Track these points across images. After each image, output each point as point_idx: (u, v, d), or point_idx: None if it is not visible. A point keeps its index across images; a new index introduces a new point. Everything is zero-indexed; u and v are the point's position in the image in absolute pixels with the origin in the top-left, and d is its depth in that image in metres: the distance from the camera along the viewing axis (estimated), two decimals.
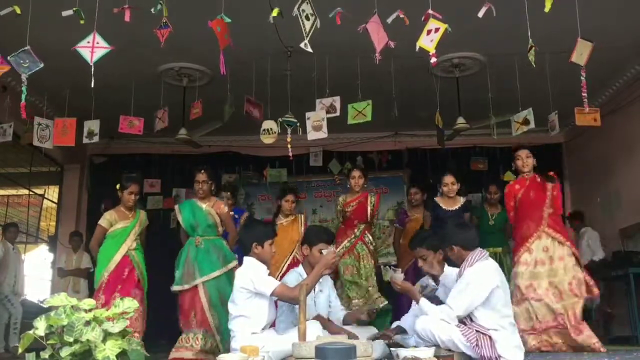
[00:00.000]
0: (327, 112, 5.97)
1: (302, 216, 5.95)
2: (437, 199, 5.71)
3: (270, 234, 3.81)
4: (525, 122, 6.52)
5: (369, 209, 5.74)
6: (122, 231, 5.03)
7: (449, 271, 3.87)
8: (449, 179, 5.64)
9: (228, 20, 3.87)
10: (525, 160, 5.06)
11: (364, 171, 5.97)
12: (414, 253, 4.01)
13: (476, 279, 3.55)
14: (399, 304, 5.48)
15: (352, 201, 5.77)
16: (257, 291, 3.56)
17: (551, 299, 4.71)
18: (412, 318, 3.83)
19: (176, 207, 5.23)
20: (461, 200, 5.71)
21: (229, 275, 4.77)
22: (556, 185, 5.06)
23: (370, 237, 5.81)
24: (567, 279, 4.76)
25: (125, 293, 4.74)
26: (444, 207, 5.62)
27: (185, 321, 4.84)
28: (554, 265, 4.80)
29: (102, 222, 5.05)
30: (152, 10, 3.79)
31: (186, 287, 4.82)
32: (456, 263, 3.80)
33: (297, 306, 3.74)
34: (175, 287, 4.89)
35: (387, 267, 4.06)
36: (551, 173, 5.08)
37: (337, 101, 6.00)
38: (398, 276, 3.88)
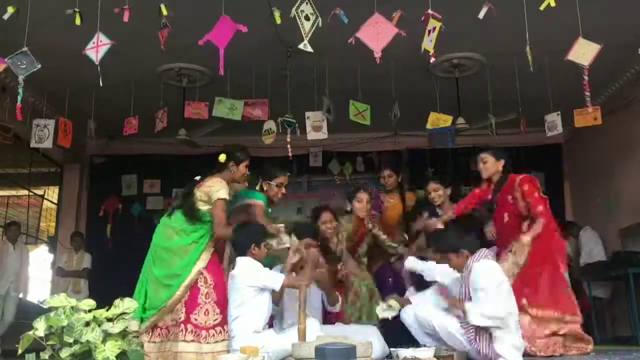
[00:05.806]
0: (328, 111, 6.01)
1: None
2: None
3: (264, 236, 3.91)
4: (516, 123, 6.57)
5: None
6: None
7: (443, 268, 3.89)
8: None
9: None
10: (481, 166, 4.59)
11: (371, 194, 5.16)
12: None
13: (491, 279, 3.46)
14: (381, 280, 5.10)
15: (357, 231, 4.97)
16: (265, 287, 3.61)
17: None
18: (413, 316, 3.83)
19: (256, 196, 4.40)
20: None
21: None
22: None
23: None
24: None
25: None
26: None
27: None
28: None
29: (225, 193, 3.89)
30: (165, 14, 3.82)
31: None
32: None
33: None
34: None
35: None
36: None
37: (326, 101, 6.05)
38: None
